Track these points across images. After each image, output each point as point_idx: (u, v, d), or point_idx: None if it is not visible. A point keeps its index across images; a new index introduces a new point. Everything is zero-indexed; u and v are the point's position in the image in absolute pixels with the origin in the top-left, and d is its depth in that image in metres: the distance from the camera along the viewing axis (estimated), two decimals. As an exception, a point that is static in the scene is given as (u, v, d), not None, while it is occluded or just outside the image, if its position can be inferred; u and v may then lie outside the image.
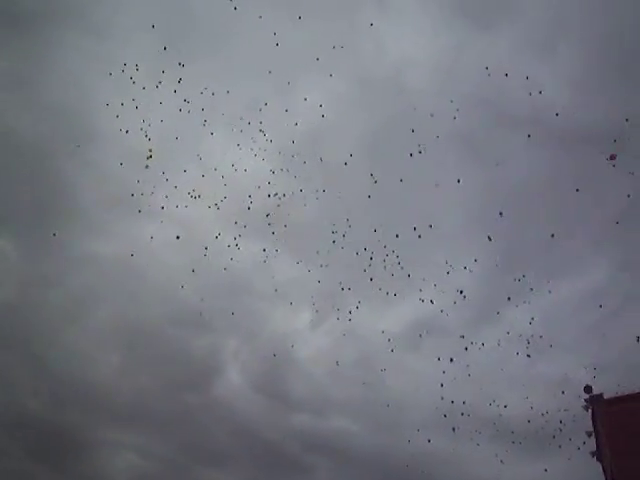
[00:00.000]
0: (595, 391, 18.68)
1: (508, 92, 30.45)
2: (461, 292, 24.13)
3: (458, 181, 25.43)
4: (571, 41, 31.72)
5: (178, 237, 29.46)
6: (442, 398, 22.17)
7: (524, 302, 24.62)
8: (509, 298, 25.05)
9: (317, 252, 28.22)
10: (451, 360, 22.22)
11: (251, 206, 28.93)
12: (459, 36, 35.51)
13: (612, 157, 11.31)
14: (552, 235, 22.62)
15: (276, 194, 25.61)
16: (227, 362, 43.86)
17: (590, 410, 18.76)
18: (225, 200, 28.61)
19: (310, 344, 42.86)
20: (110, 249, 39.71)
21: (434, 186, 26.39)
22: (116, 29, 35.44)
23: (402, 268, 24.28)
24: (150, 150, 25.26)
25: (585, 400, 18.45)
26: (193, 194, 26.83)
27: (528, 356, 23.02)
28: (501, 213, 23.82)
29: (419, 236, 23.45)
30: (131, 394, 41.00)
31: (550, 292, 24.69)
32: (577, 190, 21.97)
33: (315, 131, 26.88)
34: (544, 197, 30.23)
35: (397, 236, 24.68)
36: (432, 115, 24.44)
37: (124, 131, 34.98)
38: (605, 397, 18.35)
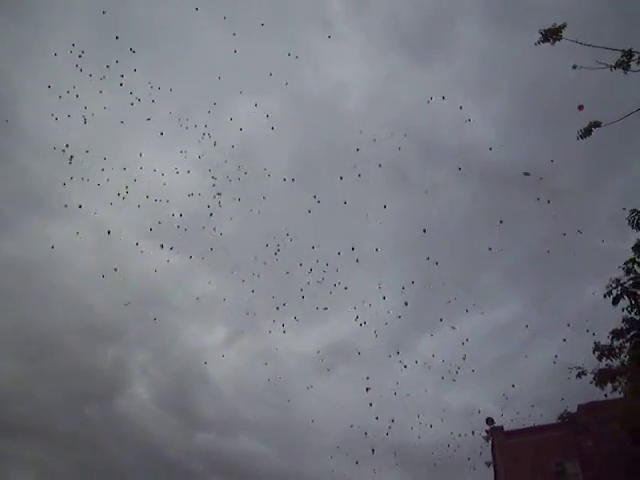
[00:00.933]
0: (501, 422, 19.49)
1: (439, 124, 31.83)
2: (386, 319, 24.45)
3: (384, 207, 25.95)
4: (501, 84, 33.83)
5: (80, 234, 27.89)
6: (351, 426, 22.21)
7: (437, 332, 25.33)
8: (424, 327, 25.74)
9: (235, 269, 27.88)
10: (367, 389, 22.30)
11: (176, 215, 28.25)
12: (396, 66, 36.99)
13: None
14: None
15: (208, 206, 25.12)
16: (135, 376, 41.95)
17: (490, 441, 19.47)
18: (149, 206, 27.72)
19: (223, 362, 41.98)
20: (17, 248, 37.19)
21: (361, 209, 26.89)
22: (46, 19, 33.93)
23: (321, 291, 24.29)
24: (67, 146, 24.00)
25: (486, 431, 19.14)
26: (116, 197, 25.81)
27: (440, 385, 23.56)
28: (424, 230, 24.38)
29: (338, 254, 23.64)
30: (31, 405, 38.25)
31: (463, 323, 25.56)
32: (501, 222, 23.05)
33: (251, 145, 26.70)
34: (466, 229, 31.50)
35: (317, 261, 24.80)
36: (374, 140, 25.02)
37: (45, 124, 33.58)
38: (505, 429, 19.17)
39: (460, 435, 20.38)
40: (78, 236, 30.75)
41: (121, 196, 25.82)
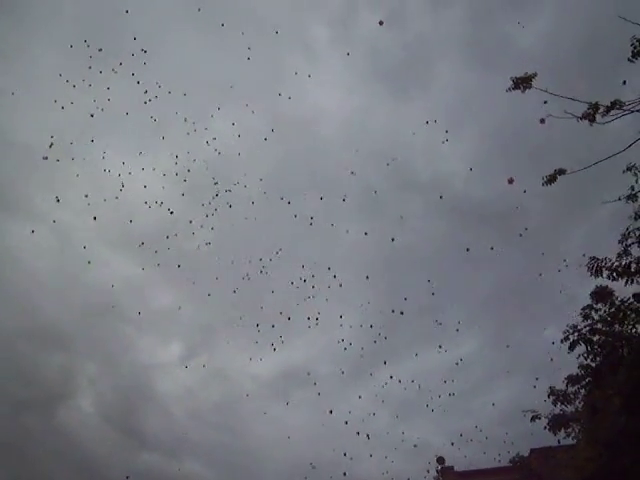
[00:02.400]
0: (451, 462, 19.25)
1: (412, 157, 32.20)
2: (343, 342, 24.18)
3: (347, 231, 25.92)
4: (474, 122, 34.54)
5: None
6: (312, 466, 21.75)
7: (395, 365, 25.14)
8: (382, 360, 25.48)
9: (194, 284, 27.39)
10: (331, 412, 21.84)
11: (136, 225, 27.70)
12: (373, 97, 37.53)
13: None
14: (432, 293, 23.53)
15: (171, 214, 24.66)
16: (81, 387, 40.22)
17: (441, 481, 19.23)
18: (105, 219, 27.14)
19: (174, 380, 40.70)
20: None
21: (330, 232, 26.83)
22: (27, 17, 33.42)
23: (281, 313, 23.92)
24: (52, 138, 23.34)
25: (437, 471, 18.89)
26: (78, 202, 25.22)
27: (395, 418, 23.30)
28: (368, 277, 24.29)
29: (304, 280, 23.40)
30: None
31: (415, 360, 25.47)
32: (467, 250, 23.20)
33: (222, 160, 26.42)
34: (432, 262, 31.68)
35: (283, 282, 24.51)
36: (350, 170, 25.20)
37: (17, 126, 32.81)
38: (456, 470, 18.96)
39: (413, 473, 20.13)
40: (36, 238, 29.88)
41: (85, 202, 25.35)
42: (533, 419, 14.98)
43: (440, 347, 22.76)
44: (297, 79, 26.88)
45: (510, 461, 17.83)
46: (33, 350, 36.82)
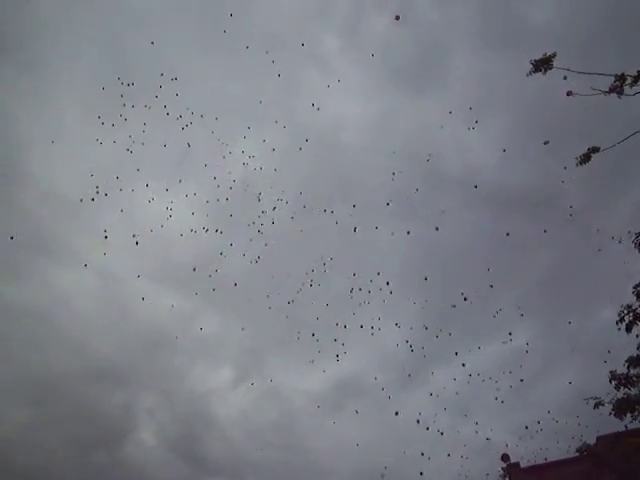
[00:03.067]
0: (517, 457, 18.71)
1: (441, 152, 31.78)
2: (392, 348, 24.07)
3: (392, 234, 25.62)
4: (498, 108, 33.84)
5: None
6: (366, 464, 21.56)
7: (450, 364, 24.75)
8: (435, 359, 25.17)
9: (242, 309, 27.65)
10: (396, 413, 21.63)
11: (177, 258, 28.19)
12: (394, 97, 37.25)
13: (569, 93, 11.48)
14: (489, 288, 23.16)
15: (215, 238, 25.01)
16: (141, 420, 41.07)
17: (507, 478, 18.69)
18: (151, 250, 27.68)
19: (230, 404, 41.11)
20: (23, 294, 37.05)
21: (370, 243, 26.73)
22: (52, 66, 34.60)
23: (337, 324, 23.91)
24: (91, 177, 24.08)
25: (502, 469, 18.39)
26: (118, 242, 25.83)
27: (453, 419, 22.96)
28: (426, 278, 24.18)
29: (359, 289, 23.33)
30: (38, 453, 37.50)
31: (476, 353, 25.01)
32: (507, 234, 22.72)
33: (248, 185, 26.65)
34: (474, 257, 31.07)
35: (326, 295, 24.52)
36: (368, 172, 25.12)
37: (51, 171, 33.91)
38: (522, 466, 18.39)
39: (477, 472, 19.71)
40: (83, 281, 30.80)
41: (128, 236, 25.93)
42: (596, 406, 14.49)
43: (496, 339, 22.40)
44: (312, 91, 27.02)
45: (577, 450, 17.23)
46: (93, 389, 37.84)
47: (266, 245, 25.01)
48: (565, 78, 9.55)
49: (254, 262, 25.19)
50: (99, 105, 26.60)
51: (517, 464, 18.35)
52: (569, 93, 11.08)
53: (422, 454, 20.52)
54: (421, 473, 19.87)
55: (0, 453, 34.58)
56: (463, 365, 22.34)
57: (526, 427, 20.03)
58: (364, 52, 37.10)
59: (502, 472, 18.48)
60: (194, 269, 25.89)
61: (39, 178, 34.91)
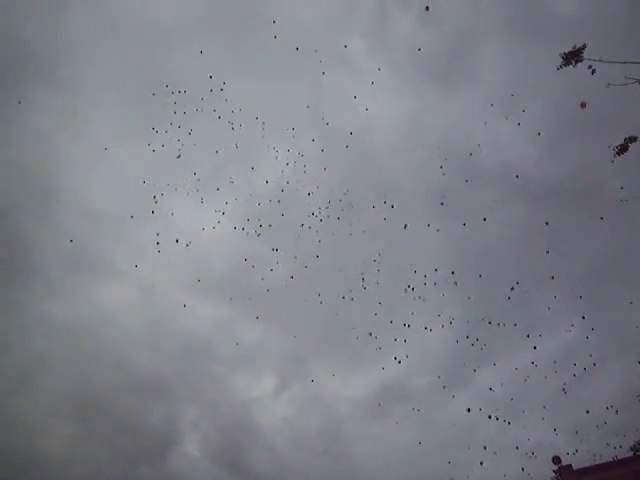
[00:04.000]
0: (567, 458, 18.18)
1: (478, 148, 31.20)
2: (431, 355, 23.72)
3: (437, 230, 25.13)
4: (533, 101, 32.99)
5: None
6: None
7: (494, 364, 24.23)
8: (479, 362, 24.64)
9: (283, 317, 27.70)
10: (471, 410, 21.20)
11: (215, 268, 28.48)
12: (425, 96, 36.80)
13: (583, 105, 11.20)
14: (526, 291, 22.66)
15: (246, 259, 25.15)
16: (185, 432, 41.55)
17: (559, 481, 18.17)
18: (188, 262, 28.03)
19: (273, 412, 41.18)
20: (66, 311, 38.14)
21: (408, 243, 26.36)
22: (86, 87, 35.57)
23: (370, 334, 23.72)
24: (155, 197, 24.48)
25: (554, 471, 17.87)
26: (156, 255, 26.22)
27: (497, 419, 22.45)
28: (481, 275, 23.74)
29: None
30: (84, 466, 38.42)
31: (522, 353, 24.41)
32: (547, 223, 22.21)
33: (283, 192, 26.74)
34: (516, 252, 30.33)
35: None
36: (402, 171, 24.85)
37: (86, 189, 34.85)
38: (574, 468, 17.83)
39: (529, 475, 19.16)
40: (124, 295, 31.49)
41: (162, 253, 26.31)
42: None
43: (540, 336, 21.78)
44: (342, 93, 26.85)
45: (631, 448, 16.67)
46: (136, 403, 38.51)
47: (320, 241, 24.80)
48: (593, 72, 9.25)
49: (299, 267, 25.09)
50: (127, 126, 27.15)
51: (569, 466, 17.80)
52: (583, 105, 10.83)
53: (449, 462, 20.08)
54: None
55: (47, 467, 35.55)
56: (522, 352, 21.73)
57: (576, 432, 19.41)
58: (391, 51, 36.93)
59: (554, 475, 17.96)
60: (232, 278, 25.97)
61: (79, 196, 35.93)
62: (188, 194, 25.94)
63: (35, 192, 36.22)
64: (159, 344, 36.97)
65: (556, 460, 17.70)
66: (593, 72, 10.46)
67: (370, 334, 23.47)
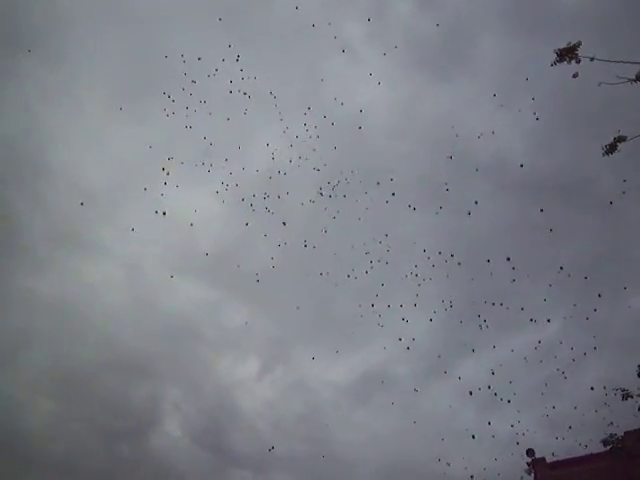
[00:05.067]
0: (543, 451, 18.47)
1: (468, 138, 31.20)
2: (412, 341, 23.88)
3: (425, 216, 25.17)
4: (526, 94, 32.95)
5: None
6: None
7: (476, 355, 24.45)
8: (461, 350, 24.89)
9: (268, 300, 27.72)
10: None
11: (202, 250, 28.36)
12: (419, 84, 36.63)
13: (575, 75, 11.25)
14: (513, 280, 22.80)
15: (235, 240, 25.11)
16: (167, 412, 41.60)
17: (533, 474, 18.45)
18: (176, 242, 27.91)
19: (255, 395, 41.38)
20: (51, 287, 37.78)
21: (397, 228, 26.42)
22: (75, 61, 34.93)
23: (353, 318, 23.87)
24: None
25: (527, 463, 18.15)
26: (139, 235, 26.13)
27: (479, 411, 22.79)
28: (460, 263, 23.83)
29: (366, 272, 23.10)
30: (65, 443, 38.41)
31: (502, 345, 24.68)
32: (551, 230, 22.40)
33: (275, 177, 26.60)
34: (506, 245, 30.44)
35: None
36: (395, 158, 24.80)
37: (76, 166, 34.43)
38: (547, 460, 18.13)
39: (503, 466, 19.46)
40: (110, 273, 31.28)
41: (148, 233, 26.21)
42: (624, 398, 14.22)
43: (522, 331, 22.00)
44: (337, 79, 26.65)
45: (602, 441, 16.84)
46: (119, 381, 38.41)
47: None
48: (575, 76, 9.23)
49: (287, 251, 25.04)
50: (123, 96, 26.75)
51: (543, 459, 18.09)
52: (575, 75, 10.73)
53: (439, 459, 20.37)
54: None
55: (28, 444, 35.49)
56: (494, 347, 21.96)
57: (547, 415, 19.67)
58: (388, 38, 36.57)
59: (528, 467, 18.24)
60: (219, 260, 25.95)
61: (69, 173, 35.51)
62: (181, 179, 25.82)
63: (23, 167, 35.77)
64: (144, 323, 36.92)
65: (530, 452, 17.99)
66: (575, 76, 10.47)
67: (358, 317, 23.60)
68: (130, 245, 30.68)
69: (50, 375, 37.20)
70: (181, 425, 41.32)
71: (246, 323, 33.52)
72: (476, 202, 23.62)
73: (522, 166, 24.35)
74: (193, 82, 23.63)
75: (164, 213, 23.70)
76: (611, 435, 16.70)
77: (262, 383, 41.11)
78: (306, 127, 25.52)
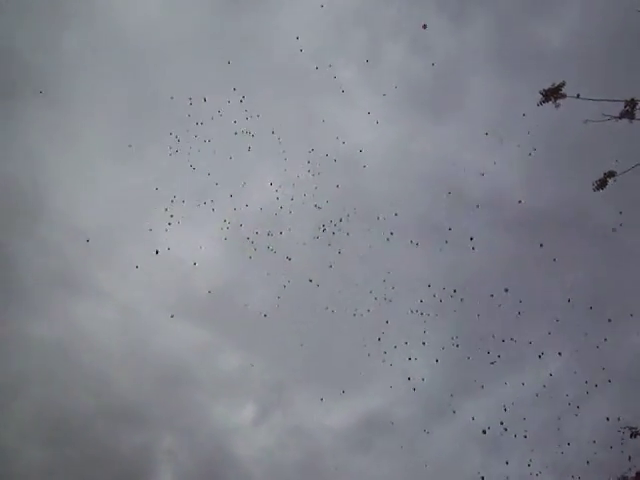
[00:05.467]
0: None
1: (464, 177, 31.40)
2: (414, 386, 23.54)
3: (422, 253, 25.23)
4: (516, 132, 33.38)
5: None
6: None
7: (480, 395, 24.05)
8: (465, 390, 24.48)
9: (268, 340, 27.44)
10: None
11: (196, 291, 28.23)
12: (413, 124, 37.09)
13: (424, 26, 11.32)
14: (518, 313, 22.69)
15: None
16: (160, 461, 40.30)
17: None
18: (169, 284, 27.77)
19: (252, 442, 40.19)
20: (46, 331, 37.17)
21: (399, 265, 26.39)
22: (78, 103, 35.41)
23: (351, 361, 23.53)
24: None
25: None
26: (137, 276, 26.02)
27: (485, 453, 22.20)
28: (462, 299, 23.75)
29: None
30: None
31: (507, 384, 24.28)
32: (541, 245, 22.34)
33: (269, 217, 26.73)
34: (505, 281, 30.32)
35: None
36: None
37: (73, 207, 34.51)
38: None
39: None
40: (106, 316, 30.89)
41: (142, 275, 26.09)
42: (633, 435, 13.82)
43: (524, 372, 21.65)
44: (333, 121, 27.07)
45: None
46: (110, 428, 37.35)
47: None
48: (557, 106, 9.31)
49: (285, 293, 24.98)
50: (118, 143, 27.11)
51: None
52: (424, 27, 10.78)
53: None
54: None
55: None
56: (507, 384, 21.65)
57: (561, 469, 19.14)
58: (380, 80, 37.27)
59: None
60: (212, 302, 25.81)
61: (66, 213, 35.50)
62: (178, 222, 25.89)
63: (21, 207, 35.84)
64: (139, 367, 36.23)
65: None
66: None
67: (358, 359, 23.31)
68: (128, 286, 30.43)
69: (40, 421, 36.30)
70: (175, 474, 40.06)
71: (248, 365, 32.99)
72: (471, 238, 23.70)
73: (520, 202, 24.58)
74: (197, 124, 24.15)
75: (168, 249, 23.89)
76: (622, 476, 16.21)
77: (258, 429, 40.04)
78: (308, 166, 25.99)
